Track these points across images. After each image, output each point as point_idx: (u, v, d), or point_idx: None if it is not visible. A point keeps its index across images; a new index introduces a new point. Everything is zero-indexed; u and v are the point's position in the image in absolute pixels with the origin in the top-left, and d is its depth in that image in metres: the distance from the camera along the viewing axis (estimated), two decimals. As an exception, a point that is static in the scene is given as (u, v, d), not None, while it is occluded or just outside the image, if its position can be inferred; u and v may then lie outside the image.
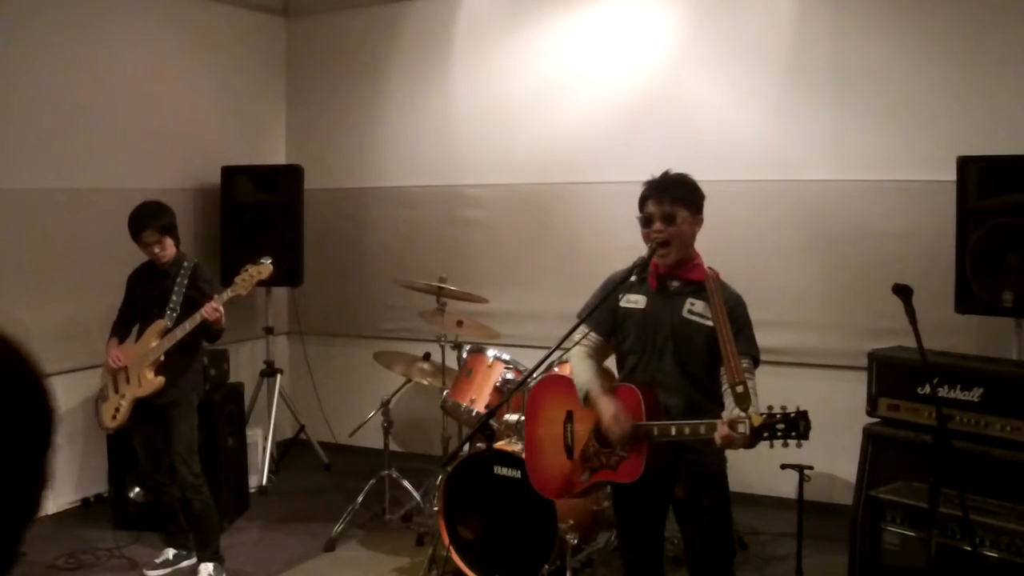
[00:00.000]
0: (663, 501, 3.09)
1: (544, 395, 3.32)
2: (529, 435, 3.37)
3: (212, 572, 4.37)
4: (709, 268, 3.06)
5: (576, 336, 3.13)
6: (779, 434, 2.65)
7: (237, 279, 4.25)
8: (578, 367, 3.14)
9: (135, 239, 4.29)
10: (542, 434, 3.28)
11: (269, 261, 4.30)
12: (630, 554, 3.26)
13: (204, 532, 4.41)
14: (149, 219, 4.26)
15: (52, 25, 5.16)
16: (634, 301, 3.09)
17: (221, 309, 4.16)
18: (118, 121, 5.55)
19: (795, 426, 2.65)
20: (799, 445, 2.69)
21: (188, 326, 4.20)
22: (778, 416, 2.67)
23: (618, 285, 3.09)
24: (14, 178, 5.00)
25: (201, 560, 4.39)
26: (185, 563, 4.55)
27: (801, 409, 2.68)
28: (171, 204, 4.44)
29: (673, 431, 2.87)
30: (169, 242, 4.32)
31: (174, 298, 4.28)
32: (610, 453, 3.01)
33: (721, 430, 2.73)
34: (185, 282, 4.30)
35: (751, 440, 2.70)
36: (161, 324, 4.27)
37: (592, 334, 3.18)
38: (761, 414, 2.69)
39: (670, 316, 3.02)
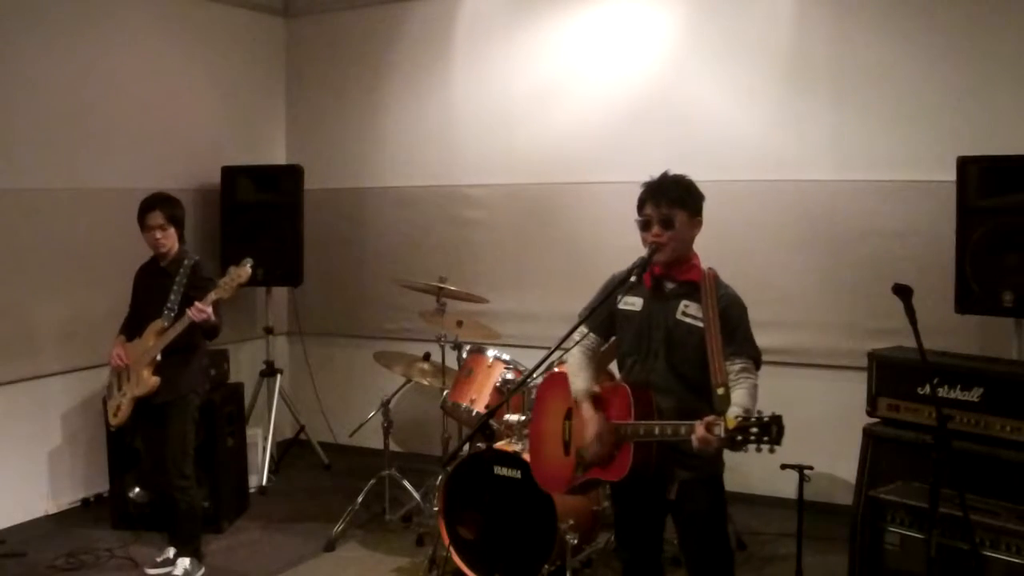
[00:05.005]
0: (659, 502, 3.08)
1: (549, 391, 3.36)
2: (534, 429, 3.41)
3: (189, 567, 4.38)
4: (708, 268, 3.06)
5: (576, 336, 3.16)
6: (752, 438, 2.62)
7: (220, 281, 4.26)
8: (574, 371, 3.17)
9: (141, 223, 4.35)
10: (545, 429, 3.32)
11: (249, 263, 4.27)
12: (625, 552, 3.28)
13: (186, 531, 4.43)
14: (159, 202, 4.34)
15: (52, 26, 5.16)
16: (631, 303, 3.11)
17: (208, 310, 4.17)
18: (118, 121, 5.56)
19: (767, 431, 2.61)
20: (772, 450, 2.64)
21: (179, 326, 4.22)
22: (752, 420, 2.64)
23: (617, 286, 3.10)
24: (15, 178, 5.01)
25: (180, 555, 4.41)
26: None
27: (776, 414, 2.64)
28: (171, 204, 4.46)
29: (656, 431, 2.89)
30: (173, 233, 4.37)
31: (172, 297, 4.30)
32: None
33: (698, 431, 2.73)
34: (184, 281, 4.32)
35: (726, 443, 2.67)
36: (159, 324, 4.29)
37: (591, 335, 3.22)
38: (736, 417, 2.66)
39: (664, 318, 3.03)
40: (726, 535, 3.20)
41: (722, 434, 2.66)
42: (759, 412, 2.67)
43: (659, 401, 2.99)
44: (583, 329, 3.18)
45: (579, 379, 3.14)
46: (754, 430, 2.62)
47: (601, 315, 3.16)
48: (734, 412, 2.72)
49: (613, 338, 3.25)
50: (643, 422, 2.93)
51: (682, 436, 2.81)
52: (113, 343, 4.45)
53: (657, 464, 2.97)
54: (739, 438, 2.63)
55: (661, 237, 2.99)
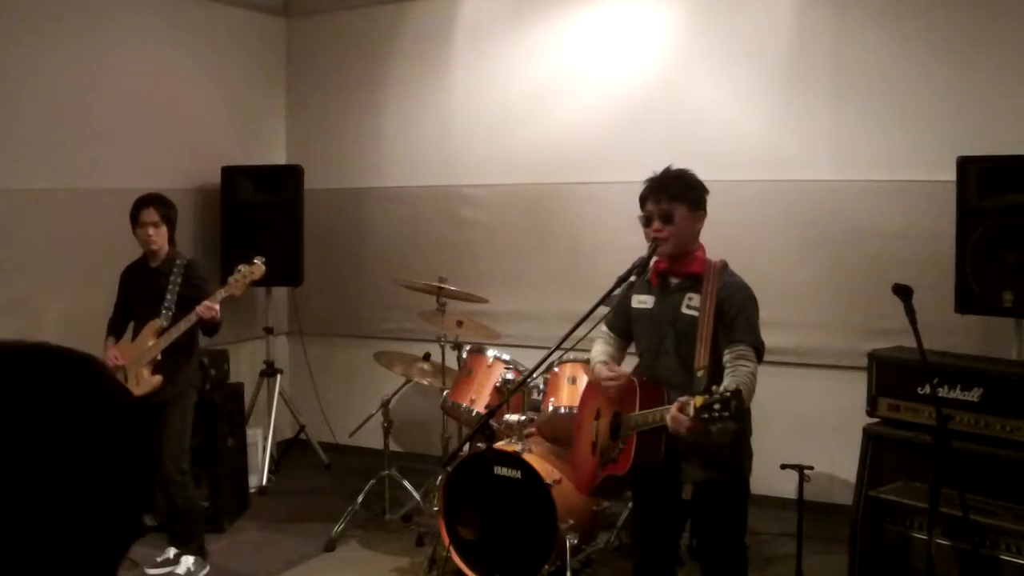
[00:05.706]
0: (676, 505, 3.07)
1: (589, 397, 3.43)
2: (576, 435, 3.48)
3: (192, 566, 4.38)
4: (718, 260, 3.08)
5: (599, 341, 3.31)
6: (715, 414, 2.67)
7: (230, 279, 4.30)
8: (594, 351, 3.31)
9: (135, 219, 4.36)
10: (581, 433, 3.39)
11: (262, 261, 4.33)
12: (636, 552, 3.28)
13: (188, 528, 4.44)
14: (154, 200, 4.37)
15: (52, 26, 5.15)
16: (643, 301, 3.16)
17: (216, 308, 4.19)
18: (118, 121, 5.55)
19: (727, 405, 2.66)
20: (732, 425, 2.71)
21: (183, 325, 4.23)
22: (716, 396, 2.68)
23: (617, 284, 3.14)
24: (15, 178, 5.00)
25: (183, 553, 4.42)
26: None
27: (737, 388, 2.71)
28: (170, 205, 4.47)
29: (650, 419, 2.93)
30: (164, 232, 4.37)
31: (168, 297, 4.31)
32: (613, 446, 3.06)
33: (672, 411, 2.78)
34: (179, 280, 4.34)
35: (695, 422, 2.71)
36: (157, 323, 4.30)
37: (610, 334, 3.33)
38: (703, 396, 2.71)
39: (671, 313, 3.06)
40: (741, 541, 3.16)
41: (691, 412, 2.71)
42: (724, 389, 2.71)
43: (671, 395, 3.00)
44: (603, 328, 3.29)
45: (596, 356, 3.27)
46: (717, 406, 2.67)
47: (616, 315, 3.26)
48: (728, 387, 2.76)
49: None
50: (638, 412, 2.97)
51: (665, 421, 2.85)
52: (104, 345, 4.43)
53: (665, 460, 2.97)
54: (705, 416, 2.68)
55: (662, 232, 3.02)
